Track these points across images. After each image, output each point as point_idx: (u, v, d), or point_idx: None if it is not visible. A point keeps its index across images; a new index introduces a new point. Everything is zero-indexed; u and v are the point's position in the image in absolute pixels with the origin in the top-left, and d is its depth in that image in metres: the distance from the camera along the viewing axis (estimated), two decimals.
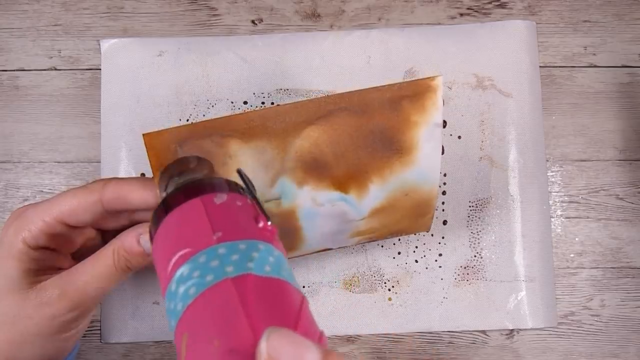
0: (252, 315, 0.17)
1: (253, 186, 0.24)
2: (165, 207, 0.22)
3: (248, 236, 0.20)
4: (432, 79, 0.28)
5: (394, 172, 0.29)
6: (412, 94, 0.28)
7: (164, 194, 0.24)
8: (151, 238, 0.23)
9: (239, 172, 0.24)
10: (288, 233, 0.30)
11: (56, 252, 0.28)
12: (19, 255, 0.26)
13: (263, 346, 0.16)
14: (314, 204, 0.29)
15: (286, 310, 0.18)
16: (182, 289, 0.19)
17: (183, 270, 0.19)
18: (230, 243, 0.20)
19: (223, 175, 0.26)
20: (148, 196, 0.27)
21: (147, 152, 0.27)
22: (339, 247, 0.31)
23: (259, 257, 0.19)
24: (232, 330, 0.17)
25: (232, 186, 0.24)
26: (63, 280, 0.26)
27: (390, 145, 0.29)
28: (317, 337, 0.18)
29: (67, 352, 0.28)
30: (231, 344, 0.17)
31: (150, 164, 0.27)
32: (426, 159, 0.29)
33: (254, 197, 0.23)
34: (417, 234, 0.39)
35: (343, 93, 0.28)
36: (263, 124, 0.27)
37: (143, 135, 0.26)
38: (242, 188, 0.24)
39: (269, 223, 0.21)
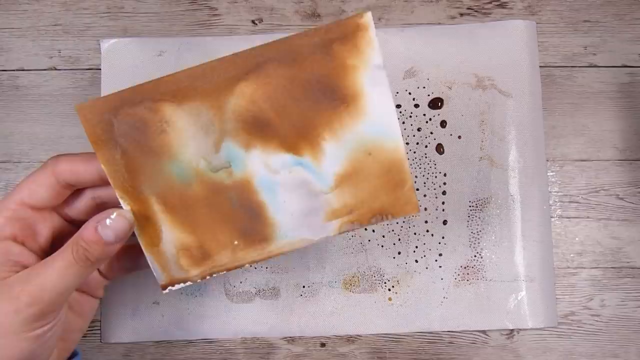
0: None
1: None
2: None
3: None
4: (360, 16, 0.26)
5: (346, 126, 0.27)
6: (341, 35, 0.26)
7: None
8: None
9: None
10: (253, 214, 0.28)
11: (22, 247, 0.28)
12: None
13: None
14: (268, 171, 0.28)
15: None
16: None
17: None
18: None
19: (163, 144, 0.27)
20: (91, 168, 0.27)
21: (83, 125, 0.26)
22: (320, 238, 0.29)
23: None
24: None
25: None
26: (25, 274, 0.26)
27: (332, 95, 0.27)
28: None
29: (42, 358, 0.27)
30: None
31: (88, 137, 0.26)
32: (377, 107, 0.27)
33: None
34: (417, 232, 0.39)
35: (269, 42, 0.26)
36: (192, 83, 0.26)
37: (76, 107, 0.26)
38: None
39: None
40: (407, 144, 0.40)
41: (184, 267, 0.29)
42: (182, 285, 0.29)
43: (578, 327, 0.39)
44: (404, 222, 0.39)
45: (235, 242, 0.29)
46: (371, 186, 0.28)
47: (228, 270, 0.29)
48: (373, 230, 0.39)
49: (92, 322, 0.39)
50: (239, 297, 0.39)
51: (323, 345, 0.39)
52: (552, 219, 0.40)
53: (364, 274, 0.39)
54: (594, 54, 0.41)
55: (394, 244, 0.39)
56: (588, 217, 0.40)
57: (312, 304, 0.39)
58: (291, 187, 0.28)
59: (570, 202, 0.40)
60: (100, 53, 0.40)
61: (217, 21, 0.41)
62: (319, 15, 0.41)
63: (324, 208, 0.28)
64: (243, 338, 0.39)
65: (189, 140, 0.27)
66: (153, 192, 0.28)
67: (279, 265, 0.39)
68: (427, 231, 0.39)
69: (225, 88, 0.27)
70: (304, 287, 0.39)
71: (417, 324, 0.39)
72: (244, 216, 0.28)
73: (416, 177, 0.40)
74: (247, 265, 0.29)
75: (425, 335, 0.39)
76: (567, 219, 0.40)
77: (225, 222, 0.28)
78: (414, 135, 0.40)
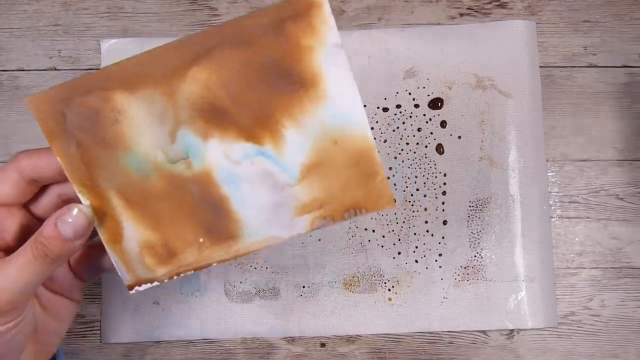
0: None
1: None
2: None
3: None
4: None
5: (306, 111, 0.25)
6: (293, 13, 0.24)
7: None
8: None
9: None
10: (216, 209, 0.27)
11: None
12: None
13: None
14: (229, 162, 0.26)
15: None
16: None
17: None
18: None
19: (117, 134, 0.26)
20: (52, 163, 0.27)
21: (35, 116, 0.25)
22: (291, 236, 0.27)
23: None
24: None
25: None
26: None
27: (289, 79, 0.25)
28: None
29: (9, 357, 0.27)
30: None
31: (41, 129, 0.26)
32: (338, 89, 0.25)
33: None
34: (417, 232, 0.39)
35: (221, 24, 0.25)
36: (142, 70, 0.25)
37: (26, 98, 0.25)
38: None
39: None
40: (407, 144, 0.40)
41: (149, 267, 0.28)
42: (149, 285, 0.28)
43: (578, 327, 0.39)
44: (404, 222, 0.39)
45: (201, 240, 0.27)
46: (341, 178, 0.26)
47: (195, 269, 0.28)
48: (373, 231, 0.39)
49: (92, 322, 0.39)
50: (239, 297, 0.39)
51: (323, 345, 0.39)
52: (552, 219, 0.40)
53: (364, 274, 0.39)
54: (594, 54, 0.41)
55: (394, 244, 0.39)
56: (588, 218, 0.40)
57: (312, 304, 0.39)
58: (254, 179, 0.26)
59: (570, 202, 0.40)
60: (100, 53, 0.40)
61: (217, 21, 0.41)
62: None
63: (292, 202, 0.27)
64: (243, 338, 0.39)
65: (143, 129, 0.26)
66: (111, 186, 0.26)
67: (279, 265, 0.39)
68: (427, 231, 0.39)
69: (176, 74, 0.25)
70: (304, 287, 0.39)
71: (417, 324, 0.39)
72: (207, 211, 0.27)
73: (416, 177, 0.40)
74: (214, 264, 0.28)
75: (425, 336, 0.39)
76: (567, 219, 0.40)
77: (188, 217, 0.27)
78: (414, 136, 0.40)
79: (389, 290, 0.39)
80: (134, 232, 0.27)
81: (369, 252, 0.39)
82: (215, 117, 0.26)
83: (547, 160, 0.41)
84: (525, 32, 0.40)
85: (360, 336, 0.39)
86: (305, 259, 0.39)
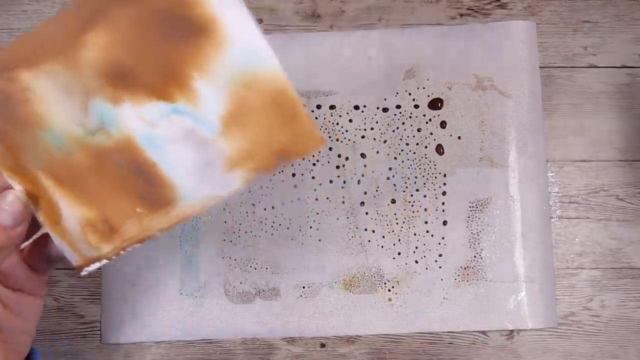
0: None
1: None
2: None
3: None
4: None
5: (211, 58, 0.24)
6: None
7: None
8: None
9: None
10: (145, 175, 0.26)
11: None
12: None
13: None
14: (146, 125, 0.25)
15: None
16: None
17: None
18: None
19: (30, 114, 0.25)
20: None
21: None
22: (229, 193, 0.26)
23: None
24: None
25: None
26: None
27: (187, 27, 0.24)
28: None
29: None
30: None
31: None
32: (238, 30, 0.24)
33: None
34: (417, 233, 0.39)
35: None
36: (41, 44, 0.25)
37: None
38: None
39: None
40: (407, 144, 0.40)
41: (93, 245, 0.27)
42: (98, 264, 0.27)
43: (578, 327, 0.39)
44: (404, 222, 0.39)
45: (138, 210, 0.27)
46: (263, 124, 0.25)
47: (140, 242, 0.27)
48: (373, 231, 0.39)
49: (92, 322, 0.39)
50: (239, 298, 0.39)
51: (323, 345, 0.39)
52: (552, 220, 0.40)
53: (364, 274, 0.39)
54: (594, 55, 0.41)
55: (394, 244, 0.39)
56: (588, 218, 0.40)
57: (312, 305, 0.39)
58: (176, 139, 0.25)
59: (570, 202, 0.40)
60: None
61: None
62: (319, 16, 0.41)
63: (220, 158, 0.26)
64: (243, 338, 0.39)
65: (53, 105, 0.25)
66: (38, 167, 0.26)
67: (279, 265, 0.39)
68: (427, 232, 0.39)
69: (74, 42, 0.24)
70: (304, 287, 0.39)
71: (417, 324, 0.39)
72: (138, 180, 0.26)
73: (416, 177, 0.40)
74: (157, 233, 0.27)
75: (425, 336, 0.39)
76: (567, 220, 0.40)
77: (120, 188, 0.26)
78: (413, 136, 0.40)
79: (389, 290, 0.39)
80: (70, 210, 0.27)
81: (369, 252, 0.39)
82: (122, 80, 0.25)
83: (547, 161, 0.41)
84: (525, 32, 0.40)
85: (360, 337, 0.39)
86: (305, 259, 0.39)
